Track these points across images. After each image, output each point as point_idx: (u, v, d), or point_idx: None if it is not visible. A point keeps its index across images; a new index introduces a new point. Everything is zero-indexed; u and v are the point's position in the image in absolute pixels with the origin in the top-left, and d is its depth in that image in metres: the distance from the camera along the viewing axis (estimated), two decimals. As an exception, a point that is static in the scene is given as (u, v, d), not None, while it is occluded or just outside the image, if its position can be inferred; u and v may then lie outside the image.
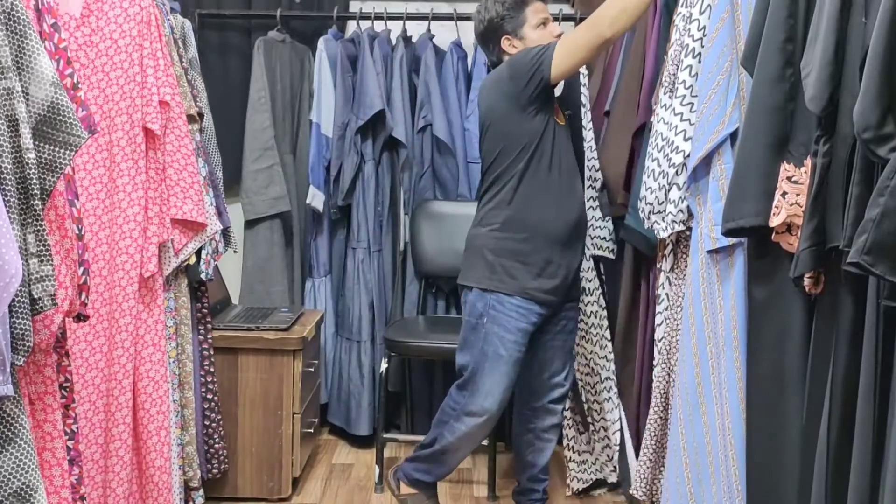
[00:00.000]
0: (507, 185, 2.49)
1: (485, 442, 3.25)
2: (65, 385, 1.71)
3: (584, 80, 2.81)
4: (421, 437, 3.42)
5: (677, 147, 2.26)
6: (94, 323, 2.12)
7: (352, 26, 3.67)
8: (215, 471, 2.75)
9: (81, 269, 1.64)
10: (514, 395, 2.68)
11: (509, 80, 2.48)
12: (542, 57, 2.42)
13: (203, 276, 2.56)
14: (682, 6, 2.37)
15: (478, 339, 2.49)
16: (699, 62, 2.19)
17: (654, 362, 2.58)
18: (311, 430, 3.18)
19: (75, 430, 1.74)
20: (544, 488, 2.71)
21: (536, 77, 2.42)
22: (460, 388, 2.55)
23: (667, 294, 2.50)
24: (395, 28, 3.54)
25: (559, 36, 2.54)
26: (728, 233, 1.90)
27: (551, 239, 2.49)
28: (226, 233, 2.73)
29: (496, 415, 2.54)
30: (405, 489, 2.70)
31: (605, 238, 2.99)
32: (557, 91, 2.56)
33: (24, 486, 1.43)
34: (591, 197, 2.93)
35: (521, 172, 2.47)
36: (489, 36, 2.61)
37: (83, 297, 1.64)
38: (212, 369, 2.72)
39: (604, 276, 3.04)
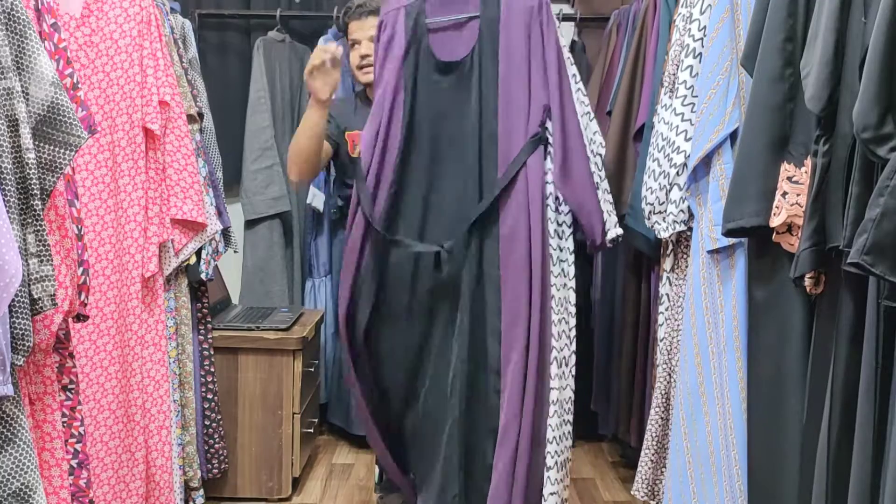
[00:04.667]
0: None
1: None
2: (69, 387, 1.71)
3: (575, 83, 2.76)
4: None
5: (678, 147, 2.26)
6: (98, 322, 2.13)
7: (352, 26, 3.67)
8: (215, 471, 2.75)
9: (81, 269, 1.64)
10: None
11: None
12: None
13: (203, 276, 2.56)
14: (682, 6, 2.37)
15: None
16: (699, 62, 2.20)
17: (655, 363, 2.58)
18: (311, 430, 3.18)
19: (82, 433, 1.74)
20: None
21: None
22: None
23: (667, 294, 2.50)
24: (395, 28, 3.54)
25: (363, 57, 2.53)
26: (728, 233, 1.90)
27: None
28: (226, 233, 2.73)
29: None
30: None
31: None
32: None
33: (23, 487, 1.43)
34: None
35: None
36: None
37: (83, 297, 1.64)
38: (212, 369, 2.72)
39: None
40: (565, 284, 2.20)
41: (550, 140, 2.11)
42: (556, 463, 2.16)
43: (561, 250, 2.17)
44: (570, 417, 2.23)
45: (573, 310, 2.21)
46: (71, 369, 1.69)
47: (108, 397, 2.15)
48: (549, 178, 2.12)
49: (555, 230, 2.15)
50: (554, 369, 2.14)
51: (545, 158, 2.13)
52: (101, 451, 2.13)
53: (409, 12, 2.10)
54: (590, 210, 2.14)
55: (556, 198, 2.13)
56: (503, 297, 2.12)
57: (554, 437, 2.15)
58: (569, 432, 2.22)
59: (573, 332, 2.20)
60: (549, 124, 2.10)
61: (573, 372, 2.22)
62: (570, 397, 2.21)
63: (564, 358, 2.16)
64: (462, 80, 2.13)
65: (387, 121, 2.12)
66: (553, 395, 2.14)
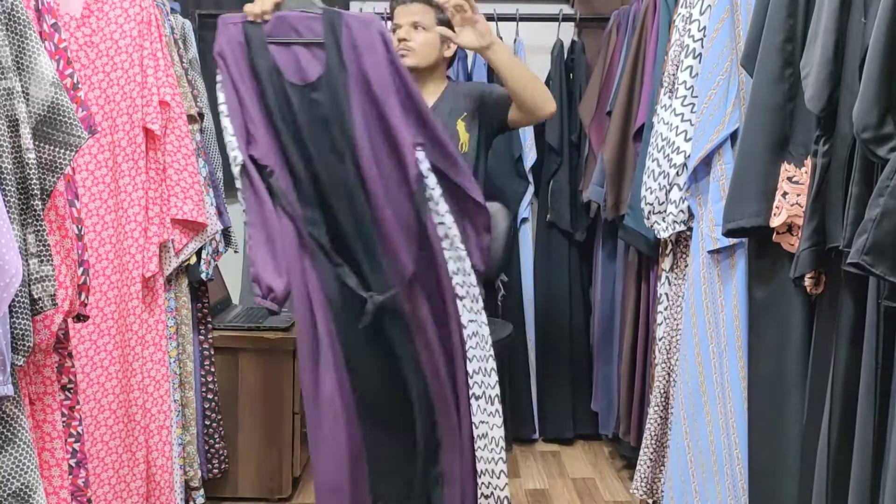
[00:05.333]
0: None
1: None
2: (68, 387, 1.71)
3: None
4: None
5: (678, 147, 2.26)
6: (98, 322, 2.13)
7: (352, 26, 3.67)
8: (216, 471, 2.75)
9: (81, 269, 1.64)
10: None
11: None
12: None
13: (203, 276, 2.56)
14: (682, 6, 2.37)
15: None
16: (699, 62, 2.20)
17: (654, 362, 2.58)
18: (312, 430, 3.18)
19: (80, 433, 1.74)
20: None
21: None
22: None
23: (666, 294, 2.50)
24: (396, 28, 3.54)
25: (401, 41, 2.43)
26: (728, 233, 1.90)
27: None
28: (226, 233, 2.73)
29: None
30: None
31: None
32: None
33: (23, 487, 1.43)
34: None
35: None
36: None
37: (83, 297, 1.64)
38: (212, 369, 2.72)
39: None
40: (474, 319, 2.16)
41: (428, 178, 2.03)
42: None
43: (464, 286, 2.11)
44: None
45: (489, 338, 2.17)
46: (70, 369, 1.69)
47: (108, 397, 2.15)
48: (441, 216, 2.04)
49: (457, 268, 2.11)
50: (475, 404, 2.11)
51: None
52: (102, 450, 2.13)
53: (247, 29, 2.03)
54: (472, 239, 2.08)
55: (446, 235, 2.06)
56: (418, 341, 2.08)
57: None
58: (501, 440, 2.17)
59: (491, 365, 2.16)
60: (421, 157, 2.02)
61: (498, 409, 2.15)
62: (501, 435, 2.15)
63: (488, 395, 2.12)
64: (314, 104, 2.05)
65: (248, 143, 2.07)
66: (481, 430, 2.10)
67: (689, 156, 2.22)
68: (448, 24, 2.39)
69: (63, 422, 1.69)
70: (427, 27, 2.44)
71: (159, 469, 2.28)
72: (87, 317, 1.71)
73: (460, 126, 2.49)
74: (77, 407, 1.71)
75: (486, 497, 2.11)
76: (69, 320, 1.66)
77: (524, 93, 2.38)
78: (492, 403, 2.12)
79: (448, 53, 2.51)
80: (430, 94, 2.50)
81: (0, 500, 1.42)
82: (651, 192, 2.40)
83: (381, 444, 2.14)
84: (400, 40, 2.43)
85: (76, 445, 1.71)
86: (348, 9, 3.70)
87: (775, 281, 1.87)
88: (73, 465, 1.71)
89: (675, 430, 2.29)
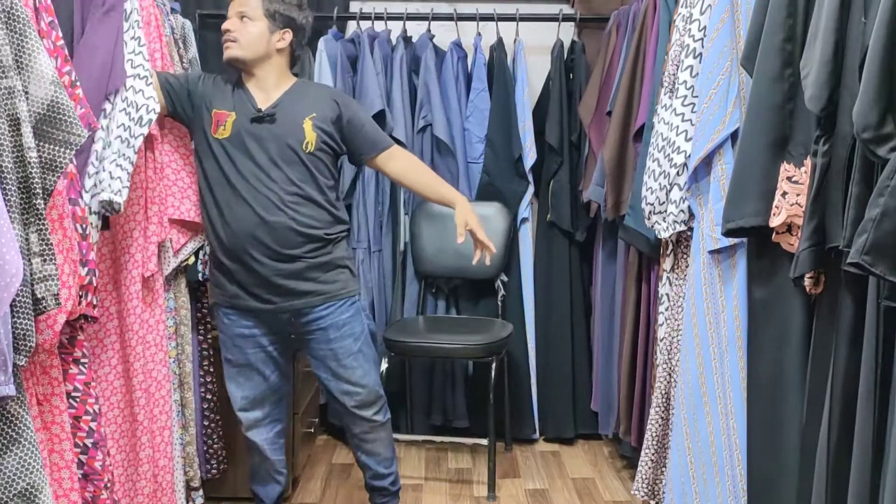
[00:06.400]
0: (201, 197, 2.44)
1: (484, 442, 3.26)
2: (73, 395, 1.70)
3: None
4: (420, 437, 3.43)
5: (678, 147, 2.26)
6: (104, 321, 2.13)
7: (352, 26, 3.67)
8: (214, 471, 2.75)
9: (86, 269, 1.63)
10: None
11: None
12: None
13: (200, 276, 2.56)
14: (682, 6, 2.37)
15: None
16: (699, 62, 2.19)
17: (655, 362, 2.58)
18: (311, 430, 3.18)
19: (88, 446, 1.72)
20: (391, 481, 2.67)
21: None
22: None
23: (667, 294, 2.50)
24: (395, 28, 3.54)
25: (225, 31, 2.40)
26: (728, 233, 1.90)
27: (227, 252, 2.38)
28: (226, 233, 2.73)
29: (252, 419, 2.54)
30: None
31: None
32: (222, 102, 2.41)
33: (28, 487, 1.43)
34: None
35: (201, 189, 2.42)
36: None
37: (89, 297, 1.64)
38: (211, 370, 2.72)
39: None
40: None
41: None
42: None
43: None
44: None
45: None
46: (75, 376, 1.69)
47: (116, 395, 2.16)
48: None
49: None
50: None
51: None
52: (113, 448, 2.13)
53: None
54: None
55: None
56: None
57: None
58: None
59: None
60: None
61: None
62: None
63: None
64: None
65: None
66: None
67: (689, 156, 2.21)
68: (277, 14, 2.40)
69: (77, 397, 1.69)
70: (254, 18, 2.39)
71: (161, 470, 2.28)
72: (96, 318, 1.71)
73: (307, 124, 2.42)
74: (92, 384, 1.70)
75: None
76: (73, 324, 1.66)
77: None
78: None
79: (280, 45, 2.43)
80: (271, 88, 2.44)
81: (6, 501, 1.42)
82: (651, 192, 2.40)
83: None
84: (224, 31, 2.41)
85: (83, 458, 1.71)
86: (348, 9, 3.70)
87: (775, 281, 1.87)
88: (90, 445, 1.71)
89: (675, 430, 2.29)
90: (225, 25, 2.40)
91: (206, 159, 2.39)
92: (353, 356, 2.48)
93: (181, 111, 2.39)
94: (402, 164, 2.58)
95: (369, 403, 2.52)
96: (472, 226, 2.48)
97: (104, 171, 1.96)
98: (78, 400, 1.70)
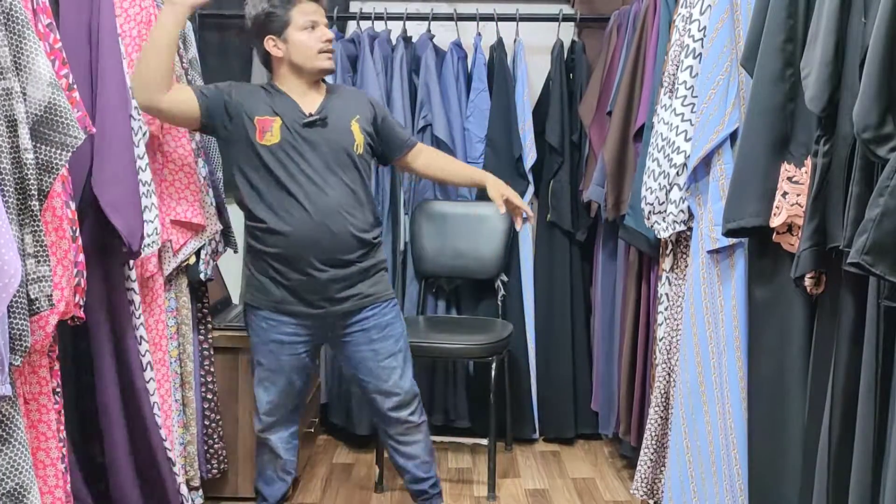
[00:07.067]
0: (244, 208, 2.42)
1: (484, 442, 3.26)
2: (57, 390, 1.70)
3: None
4: (421, 438, 3.43)
5: (678, 147, 2.26)
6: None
7: (352, 26, 3.67)
8: (215, 471, 2.75)
9: (75, 270, 1.64)
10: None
11: None
12: None
13: (202, 275, 2.56)
14: (682, 6, 2.37)
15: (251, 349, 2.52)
16: (699, 62, 2.19)
17: (655, 362, 2.58)
18: (312, 430, 3.18)
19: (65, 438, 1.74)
20: (431, 484, 2.65)
21: None
22: None
23: (667, 294, 2.50)
24: (395, 28, 3.54)
25: (329, 41, 2.40)
26: (728, 233, 1.90)
27: (286, 256, 2.35)
28: (226, 233, 2.73)
29: (274, 421, 2.52)
30: None
31: None
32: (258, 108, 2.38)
33: (17, 487, 1.43)
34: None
35: (245, 196, 2.38)
36: (253, 34, 2.43)
37: (77, 298, 1.64)
38: (212, 369, 2.72)
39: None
40: None
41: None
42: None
43: None
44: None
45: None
46: (58, 371, 1.69)
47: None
48: None
49: None
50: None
51: None
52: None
53: None
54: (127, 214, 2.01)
55: None
56: None
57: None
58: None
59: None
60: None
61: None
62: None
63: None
64: None
65: None
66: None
67: (688, 156, 2.21)
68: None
69: (56, 421, 1.69)
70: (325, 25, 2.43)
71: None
72: (83, 318, 1.71)
73: (355, 126, 2.43)
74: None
75: None
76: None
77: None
78: None
79: None
80: (313, 92, 2.43)
81: None
82: (651, 192, 2.40)
83: None
84: (328, 42, 2.40)
85: (64, 451, 1.71)
86: (348, 9, 3.70)
87: (776, 281, 1.87)
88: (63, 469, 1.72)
89: (674, 430, 2.29)
90: (329, 35, 2.40)
91: (254, 167, 2.35)
92: (394, 356, 2.49)
93: (219, 123, 2.35)
94: (428, 156, 2.66)
95: (406, 404, 2.52)
96: (507, 194, 2.55)
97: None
98: (60, 395, 1.71)
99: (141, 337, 2.14)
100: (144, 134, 2.19)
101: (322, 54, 2.38)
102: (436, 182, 3.07)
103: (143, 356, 2.15)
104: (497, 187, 2.56)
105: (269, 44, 2.39)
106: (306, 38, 2.36)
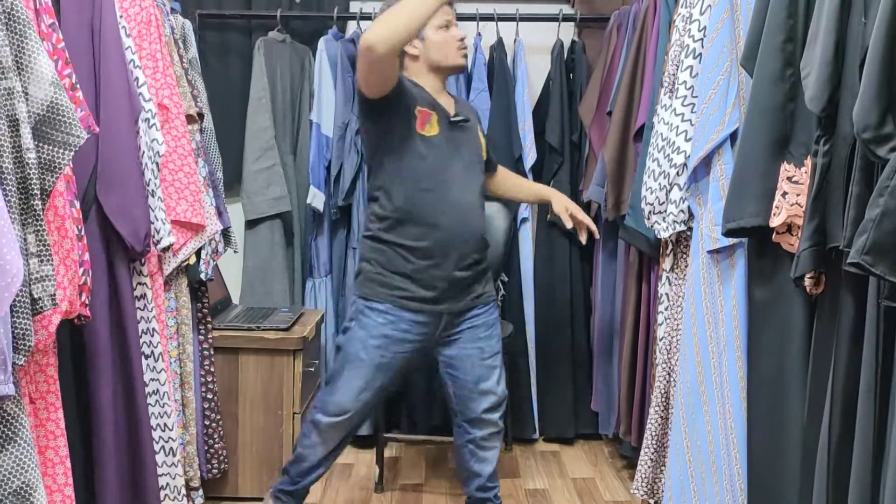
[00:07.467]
0: (378, 199, 2.41)
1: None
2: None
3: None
4: (420, 437, 3.43)
5: (678, 147, 2.26)
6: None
7: (352, 26, 3.67)
8: (215, 471, 2.75)
9: (81, 269, 1.64)
10: (449, 406, 2.59)
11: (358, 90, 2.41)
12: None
13: (202, 275, 2.56)
14: (682, 6, 2.37)
15: (343, 340, 2.46)
16: (699, 62, 2.20)
17: (655, 362, 2.58)
18: (312, 430, 3.18)
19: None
20: (495, 494, 2.66)
21: (358, 92, 2.35)
22: (326, 385, 2.52)
23: (667, 294, 2.50)
24: (396, 28, 3.54)
25: (462, 40, 2.44)
26: (728, 233, 1.90)
27: (430, 251, 2.36)
28: (226, 233, 2.73)
29: (352, 416, 2.45)
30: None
31: None
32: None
33: (23, 486, 1.44)
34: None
35: (388, 186, 2.37)
36: None
37: (83, 297, 1.64)
38: (212, 369, 2.72)
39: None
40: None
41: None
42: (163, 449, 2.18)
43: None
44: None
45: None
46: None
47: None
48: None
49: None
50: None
51: None
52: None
53: None
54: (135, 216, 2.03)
55: None
56: None
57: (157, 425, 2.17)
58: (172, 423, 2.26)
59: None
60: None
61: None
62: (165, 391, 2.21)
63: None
64: None
65: None
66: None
67: (689, 156, 2.22)
68: None
69: (63, 420, 1.69)
70: None
71: (161, 469, 2.28)
72: (89, 317, 1.71)
73: (479, 132, 2.55)
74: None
75: None
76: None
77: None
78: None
79: None
80: (445, 95, 2.50)
81: (1, 499, 1.42)
82: (651, 192, 2.40)
83: None
84: (462, 39, 2.45)
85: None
86: (348, 9, 3.70)
87: (775, 281, 1.87)
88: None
89: (674, 430, 2.29)
90: (462, 34, 2.45)
91: (413, 155, 2.36)
92: (495, 356, 2.51)
93: (395, 100, 2.34)
94: (503, 174, 2.80)
95: (498, 406, 2.53)
96: (572, 209, 2.60)
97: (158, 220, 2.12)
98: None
99: (153, 329, 2.15)
100: (153, 140, 2.19)
101: (459, 51, 2.44)
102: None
103: (156, 348, 2.16)
104: (561, 201, 2.61)
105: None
106: (443, 36, 2.42)
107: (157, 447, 2.20)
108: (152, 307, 2.15)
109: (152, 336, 2.15)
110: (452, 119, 2.42)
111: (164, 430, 2.22)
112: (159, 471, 2.20)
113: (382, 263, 2.40)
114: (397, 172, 2.36)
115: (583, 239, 2.64)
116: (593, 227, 2.60)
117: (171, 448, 2.24)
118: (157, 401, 2.20)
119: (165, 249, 2.19)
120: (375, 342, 2.40)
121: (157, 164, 2.20)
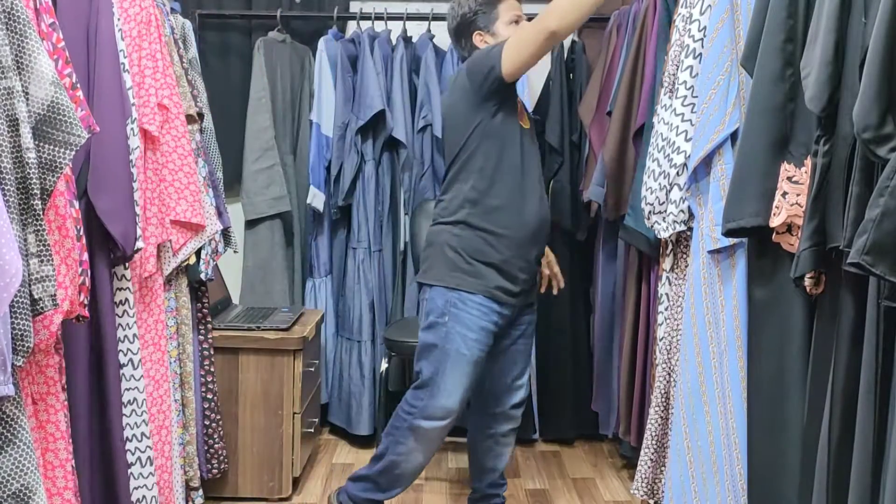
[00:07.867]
0: (469, 184, 2.41)
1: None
2: (64, 387, 1.70)
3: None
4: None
5: (678, 147, 2.26)
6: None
7: (352, 26, 3.67)
8: (215, 471, 2.75)
9: (81, 269, 1.64)
10: (472, 401, 2.59)
11: (467, 76, 2.42)
12: (494, 53, 2.36)
13: (203, 276, 2.56)
14: (682, 6, 2.37)
15: (438, 337, 2.40)
16: (699, 62, 2.19)
17: (655, 362, 2.58)
18: (312, 430, 3.18)
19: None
20: (504, 491, 2.66)
21: (491, 74, 2.34)
22: (417, 389, 2.45)
23: (667, 294, 2.50)
24: (396, 28, 3.54)
25: None
26: (728, 233, 1.90)
27: (515, 241, 2.40)
28: (226, 233, 2.73)
29: (456, 417, 2.43)
30: None
31: None
32: (525, 93, 2.53)
33: (22, 488, 1.43)
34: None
35: (483, 171, 2.39)
36: (461, 31, 2.54)
37: (82, 297, 1.64)
38: (212, 369, 2.72)
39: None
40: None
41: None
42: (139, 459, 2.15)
43: None
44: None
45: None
46: (65, 368, 1.69)
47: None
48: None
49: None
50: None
51: None
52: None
53: None
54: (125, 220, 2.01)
55: None
56: None
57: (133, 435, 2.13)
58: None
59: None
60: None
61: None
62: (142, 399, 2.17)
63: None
64: None
65: None
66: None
67: (689, 156, 2.21)
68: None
69: (65, 422, 1.69)
70: None
71: (159, 469, 2.28)
72: (87, 317, 1.71)
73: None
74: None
75: None
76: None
77: None
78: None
79: None
80: None
81: (0, 501, 1.42)
82: (651, 192, 2.40)
83: None
84: None
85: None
86: (348, 9, 3.70)
87: (775, 281, 1.87)
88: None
89: (674, 430, 2.29)
90: None
91: (512, 144, 2.42)
92: (531, 354, 2.61)
93: (512, 87, 2.43)
94: None
95: (523, 403, 2.60)
96: (552, 267, 2.70)
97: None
98: (65, 423, 1.71)
99: (134, 335, 2.13)
100: (138, 148, 2.18)
101: None
102: None
103: (135, 355, 2.13)
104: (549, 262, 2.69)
105: (478, 38, 2.51)
106: (513, 32, 2.45)
107: (132, 458, 2.13)
108: (133, 312, 2.12)
109: (132, 342, 2.11)
110: (528, 114, 2.51)
111: (139, 441, 2.15)
112: (134, 483, 2.13)
113: (469, 252, 2.40)
114: (494, 159, 2.40)
115: (542, 287, 2.69)
116: (561, 283, 2.72)
117: (148, 457, 2.17)
118: (132, 411, 2.14)
119: (136, 251, 2.12)
120: (474, 335, 2.38)
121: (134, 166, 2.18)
